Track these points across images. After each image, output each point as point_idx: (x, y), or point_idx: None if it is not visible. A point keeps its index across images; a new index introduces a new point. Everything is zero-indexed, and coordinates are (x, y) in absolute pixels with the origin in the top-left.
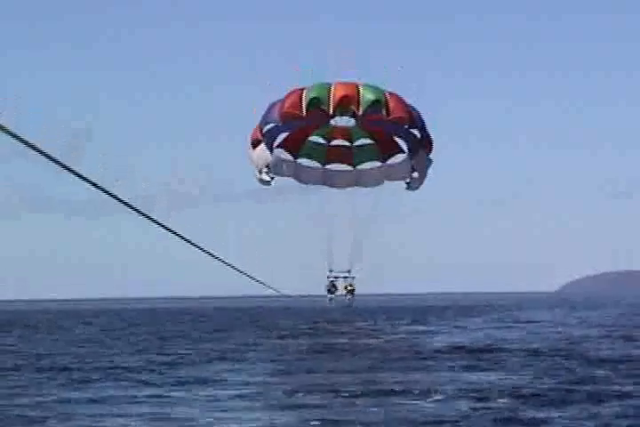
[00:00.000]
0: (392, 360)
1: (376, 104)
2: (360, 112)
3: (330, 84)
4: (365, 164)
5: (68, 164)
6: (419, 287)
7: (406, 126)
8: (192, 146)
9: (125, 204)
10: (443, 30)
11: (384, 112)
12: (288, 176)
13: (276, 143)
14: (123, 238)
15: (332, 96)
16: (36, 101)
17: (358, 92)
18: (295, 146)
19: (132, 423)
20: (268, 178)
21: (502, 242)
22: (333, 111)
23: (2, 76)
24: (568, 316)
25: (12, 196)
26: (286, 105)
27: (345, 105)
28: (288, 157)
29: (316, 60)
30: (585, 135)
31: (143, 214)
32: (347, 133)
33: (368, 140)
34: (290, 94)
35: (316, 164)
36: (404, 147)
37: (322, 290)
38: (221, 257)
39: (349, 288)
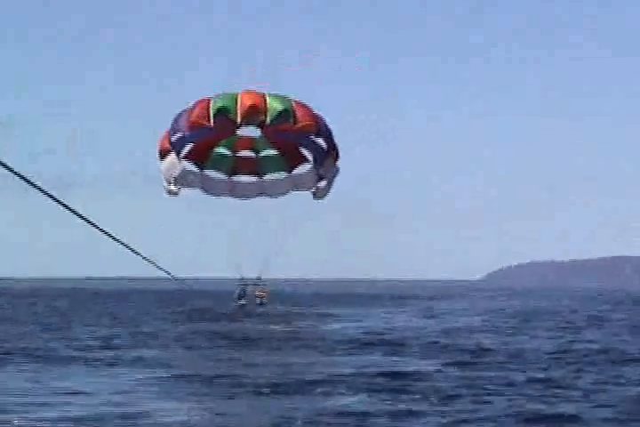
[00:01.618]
0: (297, 348)
1: (284, 113)
2: (268, 121)
3: (237, 94)
4: (271, 174)
5: None
6: (344, 273)
7: (312, 136)
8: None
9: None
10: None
11: (292, 121)
12: (194, 187)
13: (182, 154)
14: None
15: (239, 105)
16: None
17: (265, 101)
18: (201, 157)
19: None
20: (175, 189)
21: (432, 231)
22: (241, 121)
23: None
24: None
25: None
26: (193, 115)
27: (252, 114)
28: (194, 168)
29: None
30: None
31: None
32: (252, 144)
33: (273, 151)
34: (198, 103)
35: (221, 175)
36: (310, 157)
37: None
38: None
39: (262, 294)
